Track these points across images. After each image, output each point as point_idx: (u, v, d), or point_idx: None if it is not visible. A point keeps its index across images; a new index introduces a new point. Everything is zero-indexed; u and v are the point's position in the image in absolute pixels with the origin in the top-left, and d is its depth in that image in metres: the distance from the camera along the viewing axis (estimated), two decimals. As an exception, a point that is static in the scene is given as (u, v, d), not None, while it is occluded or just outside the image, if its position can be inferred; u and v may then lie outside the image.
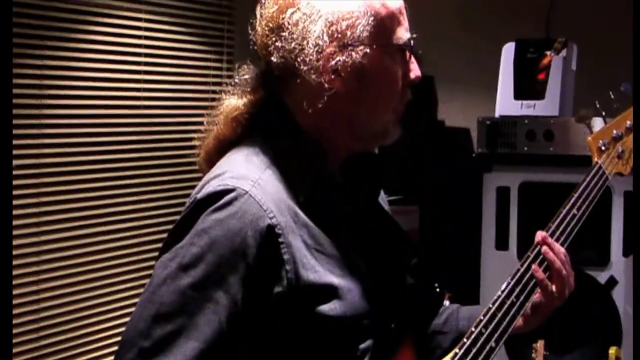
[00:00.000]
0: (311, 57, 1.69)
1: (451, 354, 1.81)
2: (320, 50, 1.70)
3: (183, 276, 1.61)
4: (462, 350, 1.81)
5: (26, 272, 3.41)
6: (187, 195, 1.75)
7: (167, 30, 4.03)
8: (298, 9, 1.71)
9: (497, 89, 3.97)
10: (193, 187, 1.77)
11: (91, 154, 3.66)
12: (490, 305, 1.87)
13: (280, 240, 1.65)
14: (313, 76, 1.70)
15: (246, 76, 1.83)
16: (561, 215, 2.03)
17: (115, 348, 3.05)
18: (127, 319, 1.66)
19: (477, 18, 4.55)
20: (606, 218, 3.60)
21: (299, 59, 1.70)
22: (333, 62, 1.70)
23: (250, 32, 1.80)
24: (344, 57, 1.70)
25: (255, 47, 1.79)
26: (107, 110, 3.71)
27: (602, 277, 3.69)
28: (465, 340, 1.83)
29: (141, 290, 3.41)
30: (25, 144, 3.34)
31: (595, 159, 2.12)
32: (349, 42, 1.71)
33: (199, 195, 1.68)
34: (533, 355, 3.02)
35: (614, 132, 2.16)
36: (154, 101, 3.98)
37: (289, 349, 1.69)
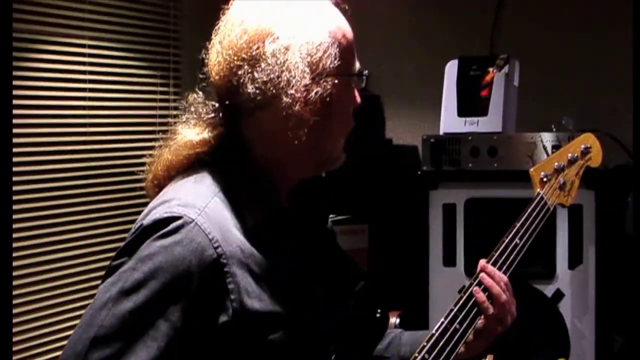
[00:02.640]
0: (293, 88, 1.70)
1: None
2: (300, 81, 1.70)
3: (124, 301, 1.59)
4: None
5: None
6: (127, 223, 1.72)
7: (111, 55, 4.00)
8: (274, 39, 1.71)
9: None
10: (135, 214, 1.72)
11: (36, 181, 3.63)
12: (434, 332, 1.88)
13: (225, 269, 1.64)
14: (295, 107, 1.70)
15: (201, 108, 1.82)
16: (504, 244, 2.05)
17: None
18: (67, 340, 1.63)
19: (422, 36, 4.55)
20: (551, 231, 3.59)
21: (279, 90, 1.70)
22: (311, 94, 1.72)
23: (205, 59, 1.81)
24: (317, 88, 1.72)
25: (209, 77, 1.79)
26: (52, 138, 3.67)
27: (548, 290, 3.68)
28: None
29: (89, 299, 3.30)
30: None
31: (538, 190, 2.16)
32: (322, 73, 1.73)
33: (145, 222, 1.67)
34: None
35: (556, 164, 2.20)
36: (99, 127, 3.95)
37: None
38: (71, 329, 3.53)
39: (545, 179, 2.18)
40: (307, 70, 1.72)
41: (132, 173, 3.96)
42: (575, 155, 2.24)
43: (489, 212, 3.74)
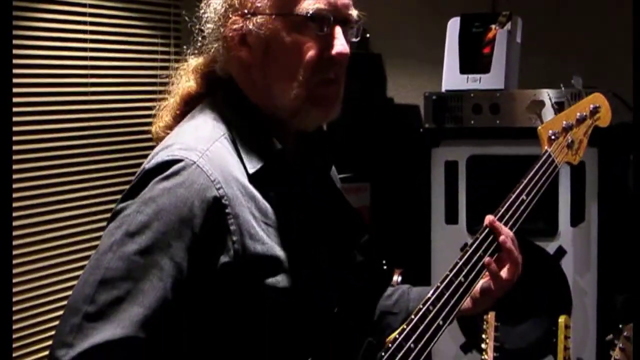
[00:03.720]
0: (215, 25, 1.78)
1: (399, 330, 1.82)
2: (222, 16, 1.76)
3: (129, 243, 1.63)
4: (409, 327, 1.82)
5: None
6: (127, 183, 1.75)
7: (112, 15, 3.99)
8: None
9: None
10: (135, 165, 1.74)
11: (40, 141, 3.64)
12: (439, 284, 1.89)
13: (227, 211, 1.67)
14: (220, 44, 1.77)
15: (195, 59, 1.90)
16: (510, 200, 2.05)
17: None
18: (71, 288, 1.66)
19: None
20: (553, 189, 3.59)
21: (213, 35, 1.79)
22: (235, 28, 1.75)
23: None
24: (246, 25, 1.74)
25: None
26: (52, 98, 3.68)
27: (550, 247, 3.72)
28: (413, 317, 1.84)
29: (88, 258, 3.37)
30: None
31: (545, 147, 2.16)
32: (249, 12, 1.74)
33: (148, 166, 1.70)
34: (484, 326, 3.14)
35: (564, 122, 2.20)
36: (100, 87, 3.95)
37: (234, 319, 1.71)
38: (71, 288, 3.62)
39: (553, 137, 2.18)
40: (232, 9, 1.76)
41: (133, 133, 4.10)
42: (584, 114, 2.26)
43: (491, 170, 3.79)
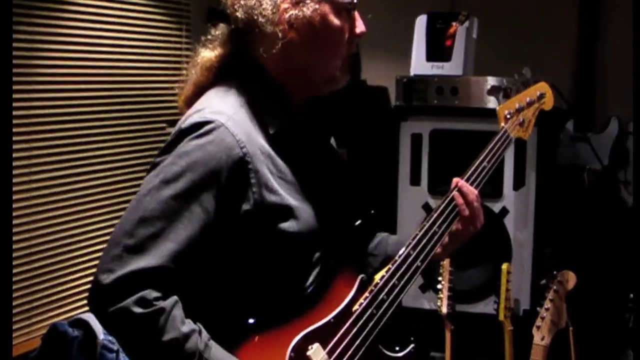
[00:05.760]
0: (268, 11, 1.81)
1: (386, 268, 1.94)
2: (275, 5, 1.81)
3: (165, 189, 1.70)
4: (394, 266, 1.93)
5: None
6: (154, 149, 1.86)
7: (133, 2, 4.08)
8: None
9: (410, 54, 4.17)
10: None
11: (74, 109, 3.76)
12: (418, 232, 1.98)
13: (249, 166, 1.75)
14: (269, 27, 1.81)
15: (218, 32, 1.93)
16: (474, 166, 2.11)
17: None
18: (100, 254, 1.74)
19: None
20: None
21: (257, 14, 1.81)
22: (287, 16, 1.81)
23: None
24: (296, 12, 1.81)
25: (226, 7, 1.89)
26: (81, 77, 3.81)
27: (496, 207, 3.92)
28: (396, 258, 1.94)
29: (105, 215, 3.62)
30: (16, 97, 3.46)
31: (502, 124, 2.24)
32: (298, 0, 1.82)
33: (183, 125, 1.77)
34: (441, 271, 3.50)
35: (517, 104, 2.28)
36: (122, 70, 4.08)
37: (252, 255, 1.80)
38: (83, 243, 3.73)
39: (508, 116, 2.25)
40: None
41: (148, 109, 4.19)
42: (533, 99, 2.32)
43: (449, 141, 4.00)
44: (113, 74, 3.99)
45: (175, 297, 1.70)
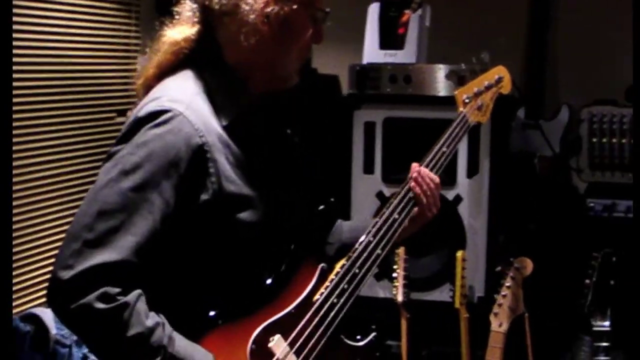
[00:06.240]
0: (254, 3, 1.84)
1: (346, 257, 1.97)
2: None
3: (124, 180, 1.70)
4: (355, 254, 1.97)
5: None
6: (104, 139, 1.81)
7: None
8: None
9: (363, 41, 4.14)
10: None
11: (21, 99, 3.64)
12: (378, 219, 2.02)
13: (208, 156, 1.78)
14: (251, 16, 1.84)
15: (186, 11, 1.93)
16: (433, 152, 2.16)
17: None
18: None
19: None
20: None
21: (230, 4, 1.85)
22: (268, 9, 1.85)
23: None
24: (277, 8, 1.85)
25: None
26: (28, 67, 3.68)
27: (450, 194, 3.91)
28: (357, 246, 1.98)
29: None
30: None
31: (461, 109, 2.27)
32: None
33: (140, 114, 1.78)
34: (396, 259, 3.51)
35: (475, 89, 2.32)
36: (70, 58, 3.94)
37: (211, 244, 1.82)
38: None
39: (467, 101, 2.27)
40: None
41: (98, 98, 3.99)
42: (491, 83, 2.34)
43: (402, 129, 3.99)
44: (61, 62, 3.90)
45: (138, 291, 1.70)
